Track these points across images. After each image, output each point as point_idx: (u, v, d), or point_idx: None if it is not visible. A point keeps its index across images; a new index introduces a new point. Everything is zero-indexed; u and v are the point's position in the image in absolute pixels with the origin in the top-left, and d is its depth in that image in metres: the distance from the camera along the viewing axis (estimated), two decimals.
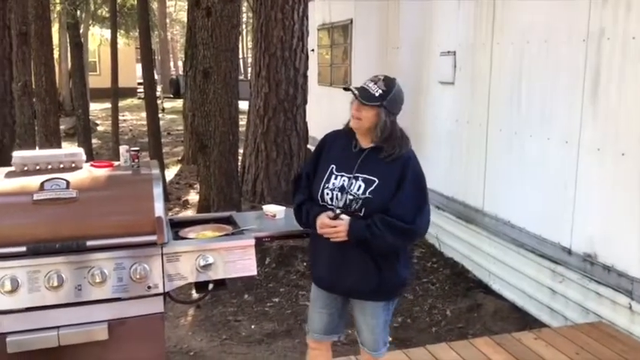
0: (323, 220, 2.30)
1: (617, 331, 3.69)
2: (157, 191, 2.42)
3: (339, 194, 2.31)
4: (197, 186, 7.99)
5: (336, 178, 2.35)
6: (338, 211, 2.29)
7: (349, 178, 2.32)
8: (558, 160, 4.27)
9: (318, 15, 9.45)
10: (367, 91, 2.29)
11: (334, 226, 2.28)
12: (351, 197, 2.29)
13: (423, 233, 2.37)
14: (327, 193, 2.34)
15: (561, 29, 4.21)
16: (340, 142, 2.45)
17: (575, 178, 4.12)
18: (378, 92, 2.28)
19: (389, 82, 2.32)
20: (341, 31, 8.83)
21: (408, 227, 2.26)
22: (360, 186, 2.29)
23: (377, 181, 2.29)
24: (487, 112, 5.15)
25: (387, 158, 2.32)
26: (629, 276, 3.65)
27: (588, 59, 3.97)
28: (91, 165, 2.60)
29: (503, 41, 4.91)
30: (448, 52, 5.69)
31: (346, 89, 2.36)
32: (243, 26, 26.48)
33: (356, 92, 2.30)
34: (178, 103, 20.62)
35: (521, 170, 4.70)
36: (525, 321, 4.46)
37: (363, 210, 2.27)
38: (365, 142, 2.38)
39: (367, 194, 2.27)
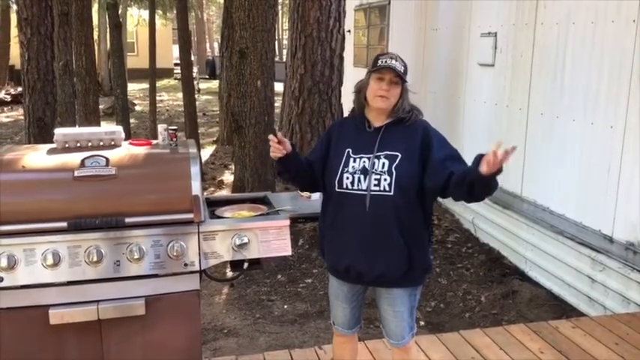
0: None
1: None
2: (194, 170, 2.43)
3: (362, 176, 2.23)
4: (232, 166, 8.06)
5: (355, 161, 2.26)
6: None
7: (370, 158, 2.25)
8: (602, 146, 4.14)
9: None
10: (395, 68, 2.21)
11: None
12: (376, 176, 2.22)
13: None
14: (347, 177, 2.25)
15: (610, 9, 4.05)
16: (349, 127, 2.39)
17: (619, 164, 3.98)
18: (402, 68, 2.24)
19: (401, 57, 2.28)
20: (378, 12, 8.70)
21: None
22: (384, 163, 2.23)
23: (400, 155, 2.23)
24: (528, 96, 5.01)
25: (407, 123, 2.28)
26: None
27: (637, 41, 3.81)
28: (130, 143, 2.63)
29: (547, 21, 4.75)
30: (489, 33, 5.54)
31: (374, 70, 2.24)
32: (280, 7, 26.39)
33: (393, 67, 2.20)
34: (214, 84, 20.78)
35: (563, 155, 4.57)
36: (562, 309, 4.37)
37: (392, 186, 2.20)
38: (379, 121, 2.32)
39: (393, 169, 2.21)
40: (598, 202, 4.17)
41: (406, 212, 2.23)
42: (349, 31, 9.29)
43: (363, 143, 2.29)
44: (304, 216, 2.85)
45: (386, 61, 2.23)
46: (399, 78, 2.24)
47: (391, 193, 2.20)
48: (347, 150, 2.30)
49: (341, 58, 7.37)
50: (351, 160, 2.28)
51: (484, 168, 2.01)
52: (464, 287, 4.81)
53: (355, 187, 2.24)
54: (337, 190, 2.28)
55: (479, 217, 5.70)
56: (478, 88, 5.81)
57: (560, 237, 4.55)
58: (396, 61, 2.24)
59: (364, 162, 2.25)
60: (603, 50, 4.13)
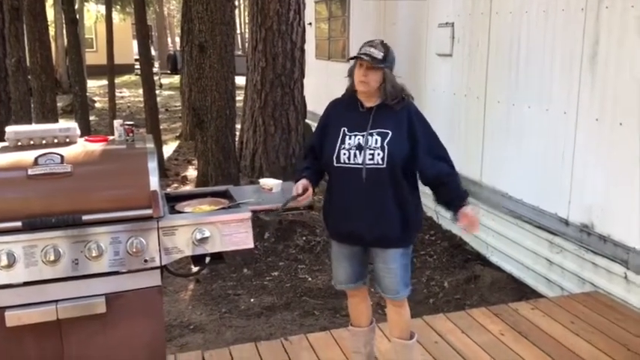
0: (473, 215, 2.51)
1: (613, 301, 3.72)
2: (152, 165, 2.41)
3: (357, 152, 2.47)
4: (195, 162, 7.98)
5: (350, 138, 2.50)
6: None
7: (364, 135, 2.48)
8: (556, 131, 4.26)
9: None
10: (371, 55, 2.45)
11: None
12: (370, 152, 2.45)
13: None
14: (344, 153, 2.49)
15: None
16: (343, 107, 2.63)
17: (573, 148, 4.11)
18: (380, 55, 2.46)
19: (385, 44, 2.51)
20: (339, 4, 8.72)
21: (451, 169, 2.55)
22: (376, 140, 2.46)
23: (390, 133, 2.47)
24: (485, 84, 5.11)
25: (395, 107, 2.51)
26: (625, 245, 3.67)
27: (587, 28, 3.93)
28: (86, 140, 2.59)
29: (501, 10, 4.85)
30: (446, 23, 5.62)
31: (353, 58, 2.51)
32: (241, 0, 26.15)
33: (367, 58, 2.44)
34: (176, 80, 20.47)
35: (520, 142, 4.68)
36: (522, 292, 4.49)
37: (385, 160, 2.43)
38: (370, 102, 2.54)
39: (385, 145, 2.45)
40: (554, 187, 4.29)
41: (397, 181, 2.48)
42: (310, 23, 9.28)
43: (357, 122, 2.53)
44: (266, 209, 2.85)
45: (364, 49, 2.48)
46: (377, 64, 2.44)
47: (384, 166, 2.45)
48: (342, 129, 2.54)
49: (302, 51, 7.36)
50: (347, 137, 2.51)
51: (461, 224, 2.51)
52: (427, 274, 4.90)
53: (352, 161, 2.48)
54: (335, 165, 2.52)
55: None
56: (437, 78, 5.90)
57: (519, 222, 4.67)
58: (375, 48, 2.47)
59: (359, 139, 2.49)
60: (555, 38, 4.24)
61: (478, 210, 2.52)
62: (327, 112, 2.69)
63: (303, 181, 2.57)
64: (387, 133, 2.47)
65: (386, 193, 2.48)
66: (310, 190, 2.58)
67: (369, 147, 2.46)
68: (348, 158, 2.49)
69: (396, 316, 2.70)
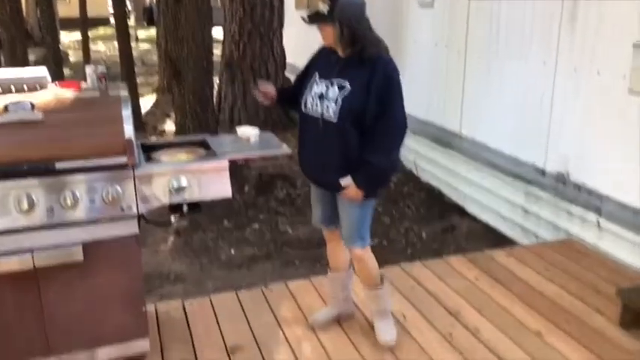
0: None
1: (585, 248, 3.82)
2: (126, 113, 2.37)
3: (319, 101, 2.47)
4: (173, 115, 7.87)
5: (317, 86, 2.51)
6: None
7: (327, 85, 2.48)
8: (535, 82, 4.26)
9: None
10: (317, 12, 2.45)
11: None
12: (327, 103, 2.45)
13: (403, 124, 2.47)
14: (310, 101, 2.51)
15: None
16: (326, 52, 2.60)
17: (551, 98, 4.12)
18: (325, 10, 2.43)
19: None
20: None
21: (388, 131, 2.44)
22: (334, 91, 2.45)
23: (348, 87, 2.43)
24: (466, 35, 5.06)
25: (360, 61, 2.44)
26: (598, 193, 3.74)
27: None
28: (57, 85, 2.52)
29: None
30: None
31: (303, 19, 2.51)
32: None
33: (306, 19, 2.48)
34: (152, 33, 19.96)
35: (499, 93, 4.68)
36: (499, 241, 4.57)
37: (336, 114, 2.41)
38: (341, 53, 2.52)
39: (339, 99, 2.42)
40: (532, 137, 4.33)
41: (348, 136, 2.44)
42: None
43: (328, 70, 2.52)
44: (243, 157, 2.84)
45: (309, 12, 2.50)
46: (315, 21, 2.46)
47: (335, 120, 2.43)
48: (315, 73, 2.56)
49: (281, 0, 7.20)
50: (315, 84, 2.53)
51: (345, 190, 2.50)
52: (405, 225, 4.96)
53: (313, 110, 2.50)
54: (303, 110, 2.55)
55: (420, 158, 5.82)
56: (418, 29, 5.82)
57: (496, 172, 4.71)
58: (322, 2, 2.43)
59: (322, 88, 2.49)
60: None
61: (359, 196, 2.50)
62: (315, 53, 2.69)
63: (271, 86, 2.69)
64: (346, 87, 2.42)
65: (336, 145, 2.45)
66: (274, 93, 2.68)
67: (327, 98, 2.45)
68: (312, 107, 2.50)
69: (358, 267, 2.74)
